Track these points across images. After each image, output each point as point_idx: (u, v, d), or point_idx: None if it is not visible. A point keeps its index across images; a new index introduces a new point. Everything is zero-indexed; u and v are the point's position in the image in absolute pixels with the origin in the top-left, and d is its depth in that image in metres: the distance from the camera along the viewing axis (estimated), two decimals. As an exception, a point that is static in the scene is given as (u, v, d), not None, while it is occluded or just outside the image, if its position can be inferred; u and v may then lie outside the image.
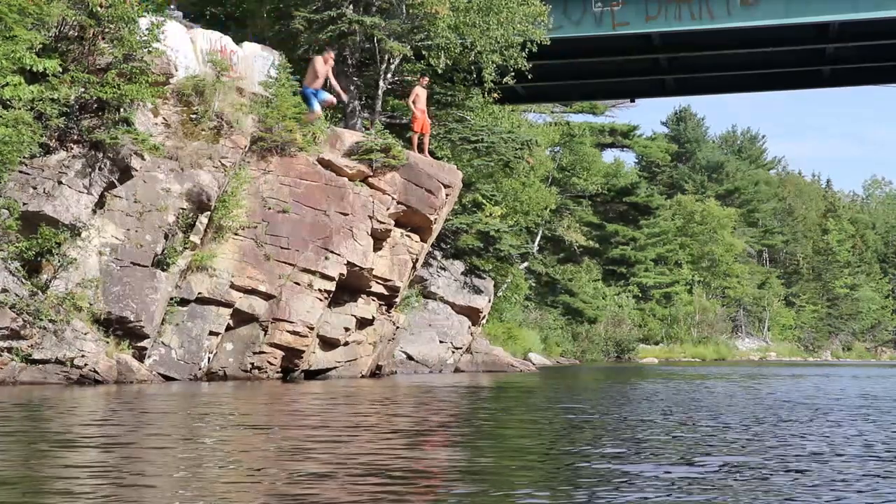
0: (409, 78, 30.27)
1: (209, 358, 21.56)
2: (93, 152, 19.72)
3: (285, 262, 22.35)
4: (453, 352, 33.21)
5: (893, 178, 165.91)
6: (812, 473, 6.85)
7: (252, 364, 21.96)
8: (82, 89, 19.50)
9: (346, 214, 23.43)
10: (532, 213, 50.83)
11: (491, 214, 37.60)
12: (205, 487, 6.30)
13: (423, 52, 28.19)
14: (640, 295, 73.45)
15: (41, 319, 17.92)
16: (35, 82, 18.53)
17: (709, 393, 18.04)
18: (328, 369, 23.89)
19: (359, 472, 6.87)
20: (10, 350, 17.68)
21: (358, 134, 26.00)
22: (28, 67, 18.11)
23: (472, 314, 34.62)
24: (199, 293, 21.25)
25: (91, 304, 19.09)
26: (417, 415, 12.37)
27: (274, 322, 22.12)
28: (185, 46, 22.89)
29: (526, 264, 50.77)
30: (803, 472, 6.91)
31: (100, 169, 19.78)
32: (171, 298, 20.70)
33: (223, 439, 9.17)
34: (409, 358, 31.19)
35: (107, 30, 19.98)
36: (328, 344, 23.76)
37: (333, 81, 25.08)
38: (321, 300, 22.71)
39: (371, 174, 24.49)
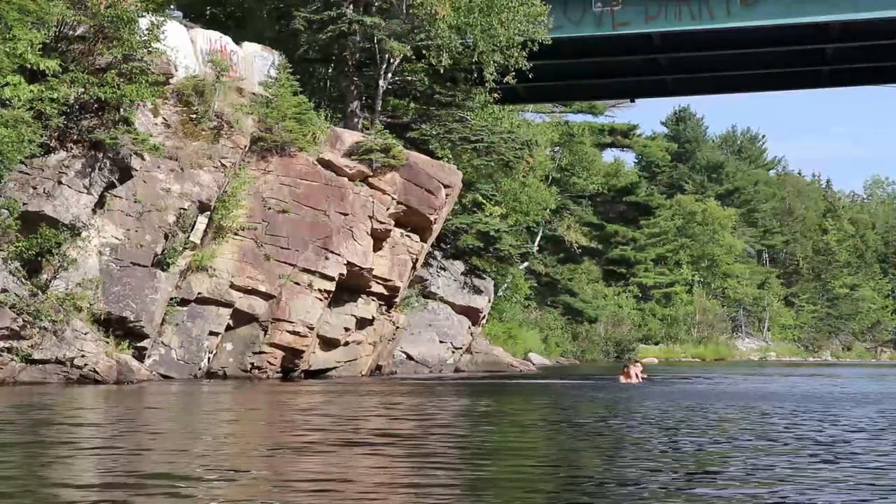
0: (410, 77, 30.25)
1: (209, 358, 21.56)
2: (93, 152, 19.71)
3: (285, 262, 22.35)
4: (453, 352, 33.18)
5: (894, 177, 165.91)
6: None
7: (252, 364, 21.96)
8: (82, 89, 19.49)
9: (346, 214, 23.42)
10: (532, 213, 50.77)
11: (491, 214, 37.57)
12: None
13: (424, 52, 28.18)
14: (640, 295, 73.39)
15: (41, 319, 17.90)
16: (35, 82, 18.52)
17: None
18: (328, 369, 23.89)
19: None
20: (10, 350, 17.66)
21: (358, 134, 25.98)
22: (29, 65, 18.08)
23: (472, 314, 34.60)
24: (199, 293, 21.24)
25: (91, 304, 19.08)
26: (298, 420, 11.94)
27: (274, 322, 22.12)
28: (185, 46, 22.88)
29: (526, 264, 50.72)
30: None
31: (100, 169, 19.77)
32: (171, 298, 20.69)
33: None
34: (409, 358, 31.17)
35: (107, 30, 19.96)
36: (328, 344, 23.76)
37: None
38: (321, 300, 22.70)
39: (371, 174, 24.49)
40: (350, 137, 25.14)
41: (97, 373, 18.28)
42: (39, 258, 18.62)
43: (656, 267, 75.97)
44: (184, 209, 21.06)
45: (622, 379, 23.00)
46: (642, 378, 23.22)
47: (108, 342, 19.13)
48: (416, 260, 26.33)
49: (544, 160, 52.82)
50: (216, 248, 21.74)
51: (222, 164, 21.98)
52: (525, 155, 33.69)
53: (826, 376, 30.88)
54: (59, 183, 19.21)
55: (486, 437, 10.30)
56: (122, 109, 20.08)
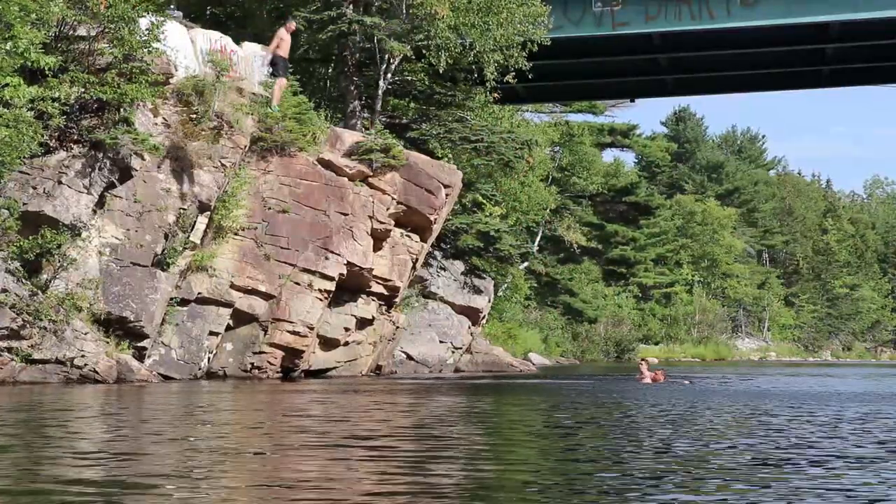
0: (410, 77, 30.27)
1: (209, 358, 21.56)
2: (93, 152, 19.71)
3: (285, 262, 22.35)
4: (453, 352, 33.19)
5: (894, 177, 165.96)
6: None
7: (252, 364, 21.96)
8: (82, 89, 19.48)
9: (346, 214, 23.42)
10: (532, 213, 50.81)
11: (491, 214, 37.59)
12: None
13: (423, 52, 28.19)
14: (640, 295, 73.45)
15: (41, 319, 17.90)
16: (35, 83, 18.51)
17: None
18: (328, 369, 23.89)
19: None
20: (10, 350, 17.66)
21: (358, 134, 25.98)
22: (30, 64, 18.06)
23: (472, 314, 34.60)
24: (199, 293, 21.24)
25: (91, 304, 19.08)
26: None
27: (274, 322, 22.11)
28: (185, 46, 22.87)
29: (526, 264, 50.73)
30: None
31: (100, 169, 19.77)
32: (171, 298, 20.69)
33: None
34: (409, 358, 31.17)
35: (107, 30, 19.96)
36: (328, 344, 23.76)
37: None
38: (321, 300, 22.70)
39: (371, 174, 24.48)
40: (350, 137, 25.14)
41: (97, 373, 18.29)
42: (39, 258, 18.61)
43: (656, 267, 76.05)
44: (184, 209, 21.06)
45: (646, 379, 22.67)
46: (652, 376, 22.95)
47: (108, 342, 19.13)
48: (416, 260, 26.33)
49: (544, 160, 52.84)
50: (216, 248, 21.74)
51: (222, 164, 21.98)
52: (525, 155, 33.71)
53: (859, 377, 30.84)
54: (59, 183, 19.21)
55: (497, 438, 10.30)
56: (122, 109, 20.06)
